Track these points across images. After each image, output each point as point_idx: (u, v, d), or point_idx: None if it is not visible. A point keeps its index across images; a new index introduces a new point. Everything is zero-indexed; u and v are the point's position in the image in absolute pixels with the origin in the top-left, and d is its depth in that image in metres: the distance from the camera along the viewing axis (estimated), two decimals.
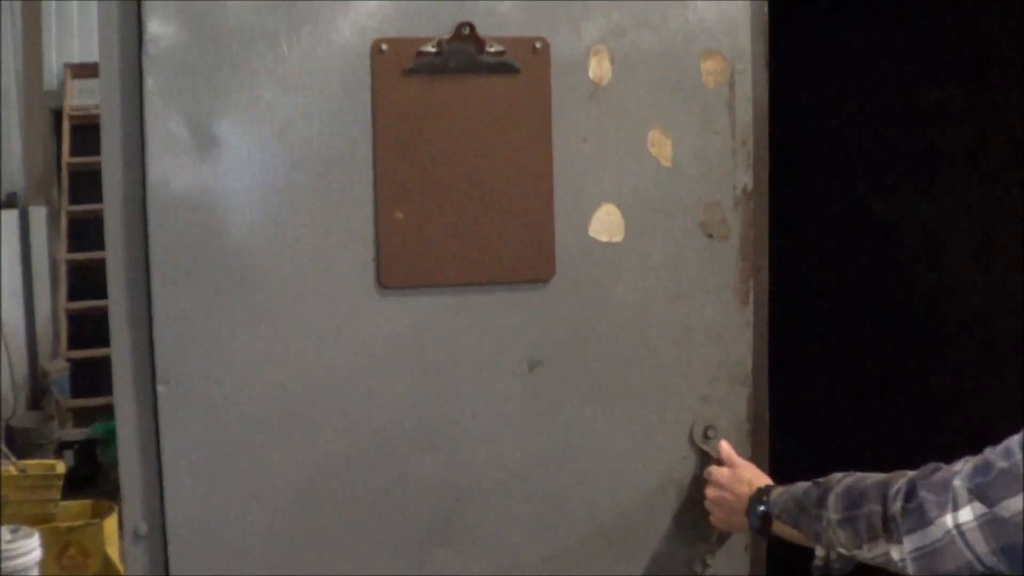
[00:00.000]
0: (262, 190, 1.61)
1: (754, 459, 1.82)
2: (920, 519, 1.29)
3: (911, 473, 1.38)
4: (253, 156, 1.60)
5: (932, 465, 1.34)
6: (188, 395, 1.62)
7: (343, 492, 1.68)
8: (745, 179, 1.78)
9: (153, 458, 1.63)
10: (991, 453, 1.28)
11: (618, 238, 1.74)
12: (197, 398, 1.62)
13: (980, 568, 1.27)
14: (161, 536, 1.64)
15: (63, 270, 6.38)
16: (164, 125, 1.57)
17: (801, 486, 1.56)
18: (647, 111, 1.73)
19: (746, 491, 1.66)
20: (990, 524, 1.25)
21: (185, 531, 1.64)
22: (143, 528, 1.65)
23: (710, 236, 1.77)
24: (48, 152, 6.66)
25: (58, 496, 4.29)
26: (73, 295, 6.28)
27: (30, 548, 3.27)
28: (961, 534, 1.27)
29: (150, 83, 1.56)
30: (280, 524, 1.67)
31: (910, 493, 1.32)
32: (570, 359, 1.74)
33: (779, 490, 1.60)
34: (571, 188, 1.72)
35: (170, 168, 1.58)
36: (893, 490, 1.36)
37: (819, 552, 1.55)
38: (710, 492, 1.72)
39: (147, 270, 1.59)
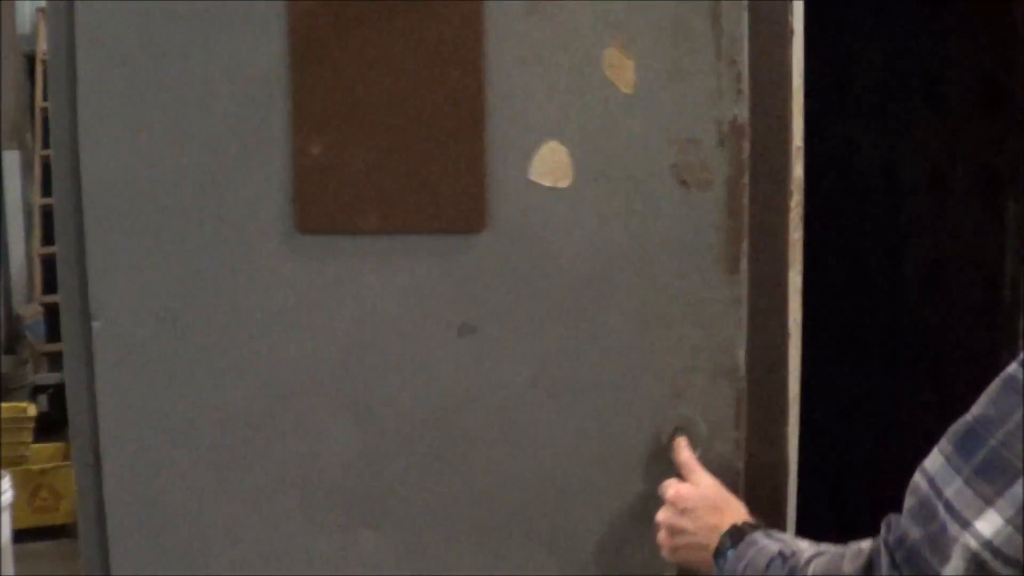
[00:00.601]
0: (178, 128, 1.53)
1: (751, 483, 1.40)
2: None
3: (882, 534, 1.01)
4: (169, 93, 1.52)
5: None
6: (118, 332, 1.59)
7: (260, 454, 1.55)
8: (734, 110, 1.37)
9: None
10: (978, 411, 0.93)
11: (564, 183, 1.42)
12: (125, 336, 1.58)
13: None
14: (99, 468, 1.63)
15: (37, 215, 6.22)
16: (94, 65, 1.54)
17: (768, 550, 1.17)
18: (602, 25, 1.39)
19: (713, 522, 1.27)
20: None
21: (117, 465, 1.61)
22: (89, 459, 1.65)
23: (684, 184, 1.39)
24: (21, 96, 6.53)
25: (30, 439, 4.28)
26: (47, 240, 6.11)
27: (2, 490, 3.27)
28: (995, 552, 0.90)
29: (80, 21, 1.54)
30: (201, 476, 1.58)
31: (894, 554, 0.97)
32: (506, 328, 1.46)
33: (753, 542, 1.21)
34: (508, 121, 1.43)
35: (98, 108, 1.54)
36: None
37: None
38: (662, 515, 1.34)
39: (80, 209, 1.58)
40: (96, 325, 1.59)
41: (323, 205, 1.49)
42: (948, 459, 0.95)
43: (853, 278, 1.98)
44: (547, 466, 1.46)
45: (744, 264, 1.38)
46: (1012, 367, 0.94)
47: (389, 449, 1.51)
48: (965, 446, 0.94)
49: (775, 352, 1.40)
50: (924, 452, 0.99)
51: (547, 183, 1.42)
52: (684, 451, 1.37)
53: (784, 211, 1.39)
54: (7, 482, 3.38)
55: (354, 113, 1.47)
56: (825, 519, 1.41)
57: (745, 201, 1.37)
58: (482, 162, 1.43)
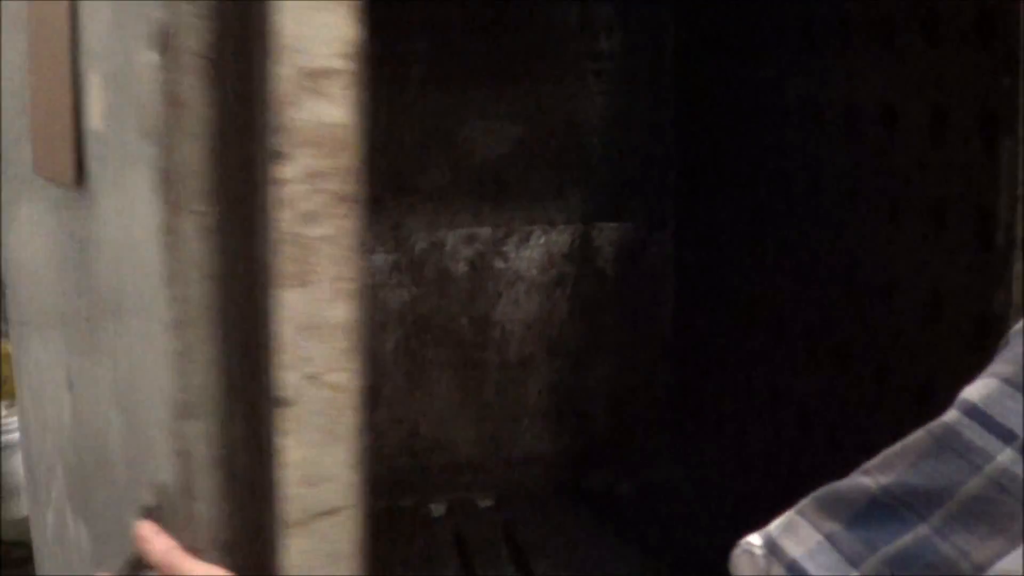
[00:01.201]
0: None
1: None
2: None
3: None
4: None
5: None
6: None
7: (40, 417, 1.45)
8: (161, 13, 0.83)
9: None
10: (889, 478, 0.62)
11: (99, 125, 1.03)
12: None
13: None
14: None
15: None
16: None
17: None
18: None
19: None
20: None
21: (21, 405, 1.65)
22: None
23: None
24: None
25: None
26: None
27: (7, 428, 3.05)
28: None
29: None
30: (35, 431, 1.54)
31: None
32: (108, 317, 1.12)
33: None
34: (85, 48, 1.07)
35: None
36: None
37: None
38: None
39: None
40: None
41: (40, 144, 1.30)
42: (832, 540, 0.61)
43: (854, 222, 1.84)
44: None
45: (193, 270, 0.85)
46: (948, 417, 0.60)
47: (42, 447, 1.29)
48: (869, 526, 0.60)
49: (249, 427, 0.84)
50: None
51: (95, 126, 1.04)
52: (155, 541, 0.91)
53: (257, 185, 0.81)
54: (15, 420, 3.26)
55: (44, 47, 1.24)
56: None
57: (195, 165, 0.83)
58: (65, 96, 1.10)
